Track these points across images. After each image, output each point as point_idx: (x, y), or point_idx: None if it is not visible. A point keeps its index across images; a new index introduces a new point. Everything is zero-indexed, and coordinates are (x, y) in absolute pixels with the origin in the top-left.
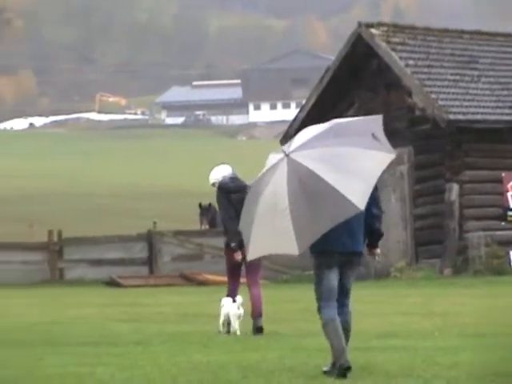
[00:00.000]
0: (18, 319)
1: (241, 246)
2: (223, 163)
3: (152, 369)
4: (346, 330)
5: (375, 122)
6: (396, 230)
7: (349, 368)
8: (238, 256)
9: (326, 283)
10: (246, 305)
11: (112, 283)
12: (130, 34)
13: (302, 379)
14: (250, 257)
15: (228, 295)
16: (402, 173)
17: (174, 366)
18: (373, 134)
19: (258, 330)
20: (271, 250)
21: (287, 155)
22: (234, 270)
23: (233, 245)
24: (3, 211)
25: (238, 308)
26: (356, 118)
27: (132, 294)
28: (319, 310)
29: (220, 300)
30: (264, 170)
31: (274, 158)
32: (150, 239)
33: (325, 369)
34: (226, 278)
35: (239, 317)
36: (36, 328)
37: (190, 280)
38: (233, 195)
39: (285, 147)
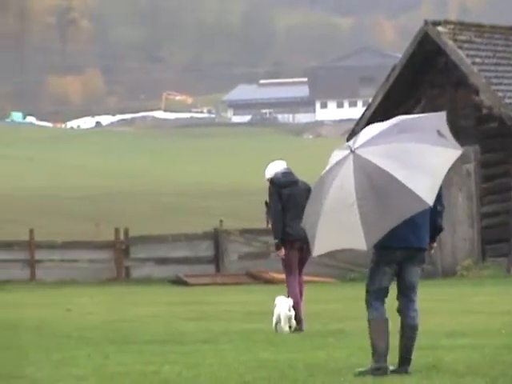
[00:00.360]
0: (85, 317)
1: (290, 241)
2: (280, 159)
3: (219, 367)
4: (413, 328)
5: (439, 118)
6: (463, 228)
7: (382, 369)
8: (282, 252)
9: (379, 281)
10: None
11: (178, 282)
12: (198, 33)
13: (369, 378)
14: (316, 252)
15: (289, 293)
16: (469, 171)
17: (241, 364)
18: (438, 131)
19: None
20: (338, 246)
21: (353, 151)
22: (291, 266)
23: (276, 241)
24: (70, 210)
25: (289, 310)
26: (421, 115)
27: (198, 293)
28: (368, 304)
29: (275, 299)
30: (328, 166)
31: (338, 154)
32: (217, 237)
33: (391, 368)
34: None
35: (290, 318)
36: (103, 326)
37: (256, 278)
38: (283, 190)
39: (350, 143)
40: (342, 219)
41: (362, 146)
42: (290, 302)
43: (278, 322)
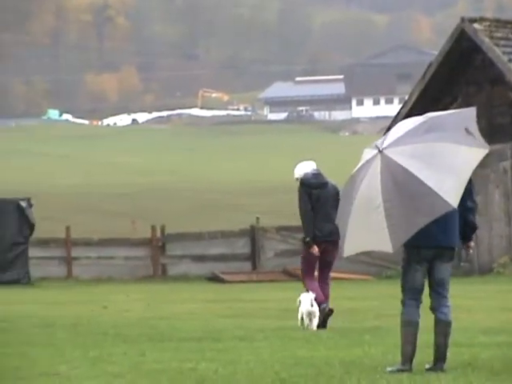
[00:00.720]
0: (122, 315)
1: (316, 241)
2: (310, 159)
3: (255, 364)
4: (447, 325)
5: (469, 114)
6: (499, 226)
7: (406, 372)
8: (315, 249)
9: (411, 279)
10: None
11: (215, 279)
12: (234, 30)
13: (404, 375)
14: (346, 253)
15: (309, 291)
16: (506, 168)
17: (277, 362)
18: (466, 129)
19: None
20: (366, 247)
21: (381, 151)
22: (310, 266)
23: (307, 239)
24: (107, 207)
25: (312, 305)
26: (450, 111)
27: (235, 290)
28: (402, 303)
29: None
30: (358, 165)
31: (368, 153)
32: (253, 235)
33: (427, 366)
34: (331, 274)
35: (313, 315)
36: (139, 323)
37: (292, 276)
38: (313, 191)
39: (378, 142)
40: (369, 220)
41: (390, 145)
42: (312, 296)
43: (303, 318)
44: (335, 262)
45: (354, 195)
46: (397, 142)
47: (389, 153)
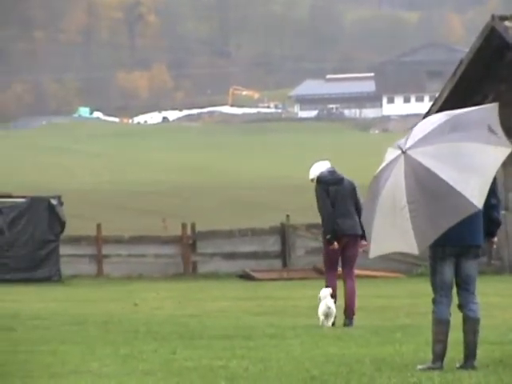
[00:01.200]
0: (153, 312)
1: (336, 237)
2: (325, 159)
3: (286, 362)
4: (475, 321)
5: (491, 111)
6: None
7: (436, 370)
8: (335, 246)
9: (440, 276)
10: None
11: (246, 277)
12: (265, 27)
13: (435, 373)
14: (372, 254)
15: (327, 287)
16: None
17: (308, 359)
18: (489, 127)
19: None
20: (391, 249)
21: (404, 152)
22: (332, 261)
23: (328, 237)
24: (138, 204)
25: (328, 307)
26: (472, 108)
27: (266, 288)
28: (434, 302)
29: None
30: (382, 165)
31: (391, 153)
32: (283, 232)
33: (457, 365)
34: (357, 271)
35: (329, 314)
36: (170, 321)
37: (323, 273)
38: (331, 187)
39: (401, 142)
40: (394, 222)
41: (413, 146)
42: (330, 291)
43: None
44: (367, 260)
45: (378, 196)
46: (420, 142)
47: (412, 153)
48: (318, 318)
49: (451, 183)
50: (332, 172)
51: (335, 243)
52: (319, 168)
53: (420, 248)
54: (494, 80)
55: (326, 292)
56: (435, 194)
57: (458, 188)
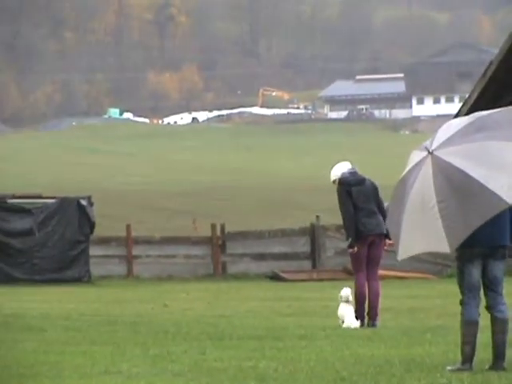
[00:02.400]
0: (183, 313)
1: (362, 237)
2: (345, 161)
3: (316, 363)
4: (504, 322)
5: None
6: None
7: (466, 371)
8: (355, 250)
9: (468, 278)
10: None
11: (275, 277)
12: (295, 28)
13: (465, 374)
14: (401, 256)
15: (356, 289)
16: None
17: (338, 360)
18: None
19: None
20: (422, 249)
21: (431, 153)
22: (360, 262)
23: (349, 239)
24: (168, 205)
25: (348, 300)
26: (498, 110)
27: (295, 289)
28: (462, 303)
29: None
30: (408, 167)
31: (416, 155)
32: (313, 233)
33: (487, 367)
34: (387, 272)
35: (345, 317)
36: (200, 322)
37: (353, 274)
38: (353, 188)
39: (427, 144)
40: (424, 223)
41: (440, 147)
42: (348, 290)
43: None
44: (397, 262)
45: (406, 198)
46: (447, 143)
47: (440, 154)
48: (338, 319)
49: (481, 181)
50: (353, 173)
51: (355, 248)
52: (340, 169)
53: (452, 246)
54: None
55: (345, 292)
56: (465, 192)
57: (489, 185)
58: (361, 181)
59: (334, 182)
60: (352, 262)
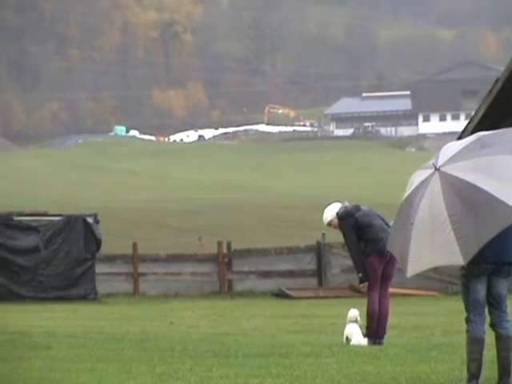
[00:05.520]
0: (189, 331)
1: (381, 252)
2: (336, 201)
3: (321, 380)
4: (508, 339)
5: None
6: None
7: None
8: (365, 286)
9: (474, 295)
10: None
11: (281, 295)
12: (300, 46)
13: None
14: (410, 273)
15: (369, 306)
16: None
17: (345, 378)
18: None
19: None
20: (433, 264)
21: (437, 169)
22: (377, 280)
23: (360, 275)
24: (174, 222)
25: (356, 320)
26: (501, 130)
27: (301, 306)
28: (467, 321)
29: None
30: (413, 186)
31: (420, 174)
32: (319, 251)
33: None
34: (394, 290)
35: (351, 336)
36: (206, 339)
37: (359, 292)
38: (356, 214)
39: (431, 163)
40: (435, 237)
41: (446, 163)
42: (356, 312)
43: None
44: (403, 279)
45: (413, 216)
46: (453, 159)
47: (447, 169)
48: (344, 337)
49: (493, 193)
50: (346, 206)
51: (366, 284)
52: (332, 209)
53: (466, 258)
54: None
55: (353, 313)
56: (477, 205)
57: (500, 196)
58: (357, 207)
59: (328, 224)
60: (370, 278)
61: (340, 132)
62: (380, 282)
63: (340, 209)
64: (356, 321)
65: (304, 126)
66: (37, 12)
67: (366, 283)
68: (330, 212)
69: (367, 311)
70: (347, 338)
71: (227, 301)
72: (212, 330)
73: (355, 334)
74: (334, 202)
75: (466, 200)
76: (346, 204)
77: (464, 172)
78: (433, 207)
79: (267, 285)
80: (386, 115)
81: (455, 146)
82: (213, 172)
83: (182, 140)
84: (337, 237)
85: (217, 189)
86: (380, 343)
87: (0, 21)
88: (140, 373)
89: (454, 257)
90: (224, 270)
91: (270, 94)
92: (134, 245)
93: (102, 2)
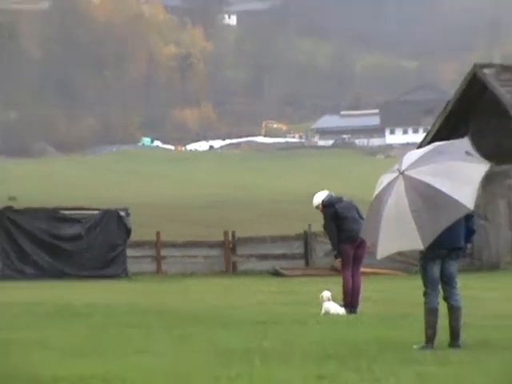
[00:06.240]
0: (201, 303)
1: (353, 239)
2: (323, 190)
3: (308, 343)
4: (458, 309)
5: (465, 142)
6: (505, 231)
7: (429, 349)
8: (339, 261)
9: (430, 273)
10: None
11: (276, 274)
12: (291, 73)
13: (428, 351)
14: (380, 256)
15: (344, 282)
16: (510, 185)
17: (326, 341)
18: (466, 152)
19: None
20: (398, 248)
21: (402, 173)
22: (349, 261)
23: (335, 253)
24: (189, 215)
25: (328, 299)
26: (451, 141)
27: (292, 283)
28: (424, 294)
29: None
30: (381, 186)
31: (387, 177)
32: (306, 238)
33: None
34: (366, 269)
35: (328, 311)
36: (215, 310)
37: (338, 271)
38: (337, 205)
39: (395, 168)
40: (400, 228)
41: (409, 168)
42: (328, 294)
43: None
44: (373, 261)
45: (382, 210)
46: (414, 165)
47: (410, 173)
48: (322, 310)
49: (447, 192)
50: (331, 196)
51: (339, 259)
52: (320, 196)
53: (425, 243)
54: (476, 115)
55: (326, 294)
56: (435, 202)
57: (455, 195)
58: (340, 199)
59: (316, 207)
60: (342, 261)
61: (323, 143)
62: (353, 263)
63: (326, 197)
64: (329, 300)
65: (294, 137)
66: (78, 44)
67: (340, 259)
68: (318, 199)
69: (343, 286)
70: (325, 312)
71: (232, 279)
72: (220, 302)
73: (333, 307)
74: (323, 190)
75: (426, 198)
76: (332, 194)
77: (424, 175)
78: (398, 204)
79: (264, 266)
80: (360, 129)
81: (416, 154)
82: (221, 175)
83: (195, 149)
84: (321, 227)
85: (224, 188)
86: (355, 312)
87: (48, 51)
88: (161, 337)
89: (416, 243)
90: (229, 254)
91: (266, 111)
92: (158, 233)
93: (132, 37)
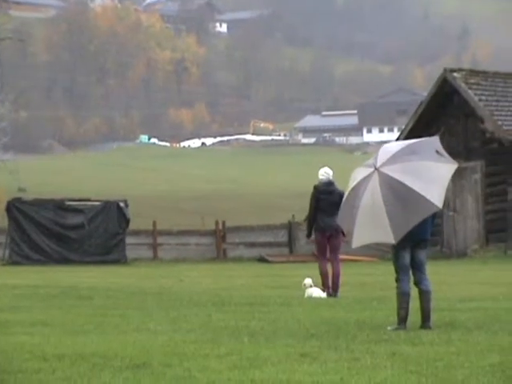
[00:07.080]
0: (194, 286)
1: (323, 230)
2: (327, 166)
3: (292, 323)
4: (428, 293)
5: (435, 140)
6: (472, 222)
7: (401, 329)
8: (310, 239)
9: (402, 261)
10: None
11: (262, 260)
12: (277, 77)
13: (401, 332)
14: (355, 245)
15: (320, 269)
16: (476, 179)
17: (308, 321)
18: (436, 151)
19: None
20: (372, 240)
21: (376, 169)
22: (322, 250)
23: (306, 233)
24: (183, 206)
25: (311, 285)
26: (423, 139)
27: (277, 268)
28: (397, 280)
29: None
30: (356, 180)
31: (362, 170)
32: (290, 227)
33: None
34: (344, 256)
35: (311, 295)
36: (207, 292)
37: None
38: (322, 196)
39: (370, 163)
40: (374, 220)
41: (383, 164)
42: (309, 280)
43: (309, 296)
44: (350, 249)
45: (358, 203)
46: (389, 162)
47: (384, 170)
48: (305, 294)
49: (418, 190)
50: (327, 184)
51: (312, 238)
52: (323, 171)
53: (396, 238)
54: (446, 116)
55: (307, 281)
56: (407, 199)
57: (424, 194)
58: (330, 192)
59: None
60: (316, 249)
61: (305, 140)
62: (330, 252)
63: (320, 176)
64: (311, 286)
65: (279, 136)
66: (84, 51)
67: (312, 237)
68: (320, 173)
69: (319, 272)
70: (308, 296)
71: (222, 264)
72: (211, 285)
73: (315, 291)
74: (327, 167)
75: (398, 195)
76: (329, 176)
77: (397, 173)
78: (373, 198)
79: (252, 252)
80: (340, 128)
81: (391, 150)
82: (212, 169)
83: (189, 146)
84: (303, 217)
85: (215, 182)
86: (335, 296)
87: (57, 58)
88: (159, 317)
89: (388, 237)
90: (220, 242)
91: (254, 112)
92: (154, 223)
93: (132, 44)
